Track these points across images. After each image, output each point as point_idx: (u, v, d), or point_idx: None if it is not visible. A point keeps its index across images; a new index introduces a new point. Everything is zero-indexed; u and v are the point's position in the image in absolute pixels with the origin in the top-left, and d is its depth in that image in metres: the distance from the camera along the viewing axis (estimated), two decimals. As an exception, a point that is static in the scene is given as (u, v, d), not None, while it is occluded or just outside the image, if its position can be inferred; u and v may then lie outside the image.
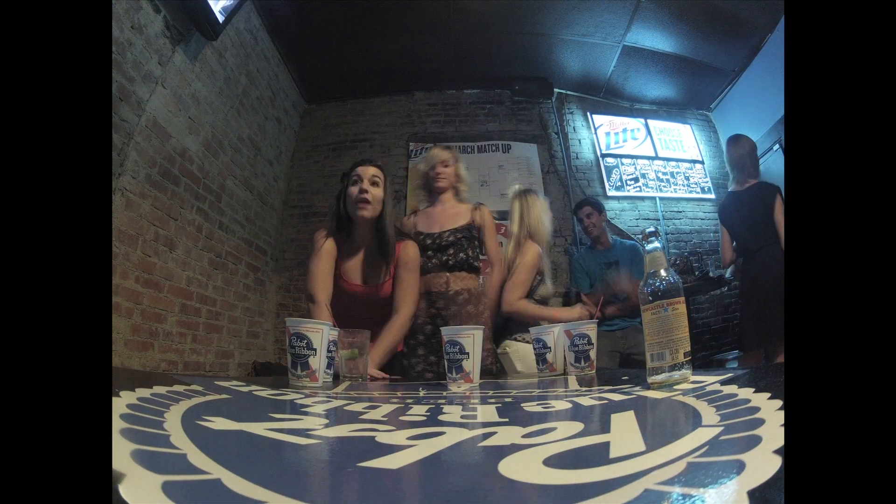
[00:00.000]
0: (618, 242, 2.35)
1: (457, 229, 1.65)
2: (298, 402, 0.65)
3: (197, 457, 0.30)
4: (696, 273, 3.01)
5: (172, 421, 0.40)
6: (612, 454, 0.32)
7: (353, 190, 1.34)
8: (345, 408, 0.61)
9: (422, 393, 0.81)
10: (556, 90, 3.70)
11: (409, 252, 1.41)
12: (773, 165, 3.15)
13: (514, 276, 1.71)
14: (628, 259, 2.24)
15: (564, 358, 1.09)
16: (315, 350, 0.88)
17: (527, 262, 1.72)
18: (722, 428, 0.36)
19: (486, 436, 0.41)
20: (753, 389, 0.48)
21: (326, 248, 1.37)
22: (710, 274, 2.98)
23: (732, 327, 3.28)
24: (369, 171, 1.36)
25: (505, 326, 1.74)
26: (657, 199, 3.62)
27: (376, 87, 3.67)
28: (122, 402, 0.43)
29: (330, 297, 1.35)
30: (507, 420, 0.51)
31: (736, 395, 0.48)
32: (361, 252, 1.40)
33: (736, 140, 2.28)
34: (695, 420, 0.42)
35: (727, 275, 2.68)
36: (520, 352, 1.66)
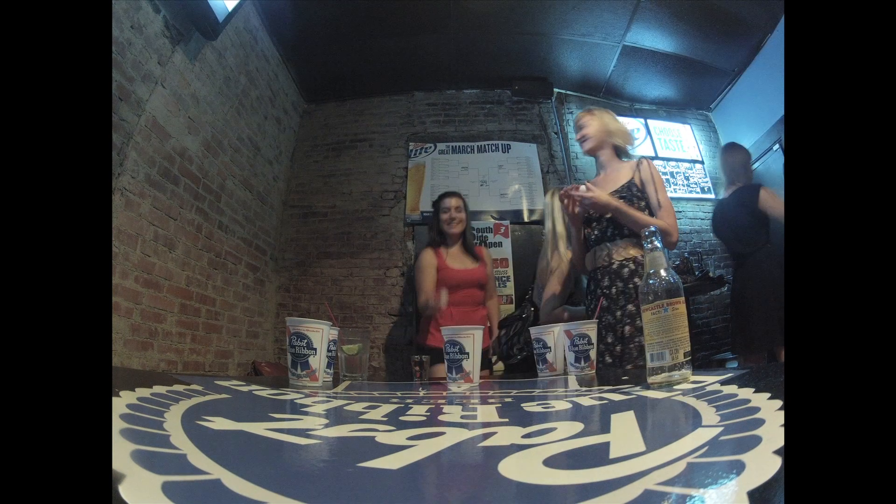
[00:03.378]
0: None
1: (616, 191, 1.46)
2: (298, 401, 0.65)
3: (197, 457, 0.30)
4: (696, 273, 3.00)
5: (172, 421, 0.40)
6: (612, 454, 0.32)
7: (445, 216, 2.09)
8: (345, 408, 0.61)
9: (422, 393, 0.81)
10: (555, 90, 3.69)
11: (484, 255, 2.14)
12: (773, 165, 3.15)
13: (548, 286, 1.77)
14: None
15: (564, 358, 1.09)
16: (315, 350, 0.88)
17: (562, 269, 1.77)
18: (722, 428, 0.36)
19: (486, 436, 0.41)
20: (753, 389, 0.48)
21: (430, 259, 2.05)
22: (710, 274, 2.98)
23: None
24: (454, 202, 2.10)
25: None
26: (657, 198, 3.61)
27: (376, 87, 3.66)
28: (122, 402, 0.43)
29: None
30: (506, 420, 0.51)
31: (736, 395, 0.48)
32: (456, 250, 2.10)
33: (727, 148, 2.40)
34: (695, 420, 0.42)
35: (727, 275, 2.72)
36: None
